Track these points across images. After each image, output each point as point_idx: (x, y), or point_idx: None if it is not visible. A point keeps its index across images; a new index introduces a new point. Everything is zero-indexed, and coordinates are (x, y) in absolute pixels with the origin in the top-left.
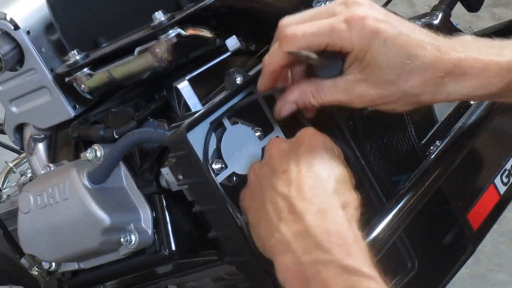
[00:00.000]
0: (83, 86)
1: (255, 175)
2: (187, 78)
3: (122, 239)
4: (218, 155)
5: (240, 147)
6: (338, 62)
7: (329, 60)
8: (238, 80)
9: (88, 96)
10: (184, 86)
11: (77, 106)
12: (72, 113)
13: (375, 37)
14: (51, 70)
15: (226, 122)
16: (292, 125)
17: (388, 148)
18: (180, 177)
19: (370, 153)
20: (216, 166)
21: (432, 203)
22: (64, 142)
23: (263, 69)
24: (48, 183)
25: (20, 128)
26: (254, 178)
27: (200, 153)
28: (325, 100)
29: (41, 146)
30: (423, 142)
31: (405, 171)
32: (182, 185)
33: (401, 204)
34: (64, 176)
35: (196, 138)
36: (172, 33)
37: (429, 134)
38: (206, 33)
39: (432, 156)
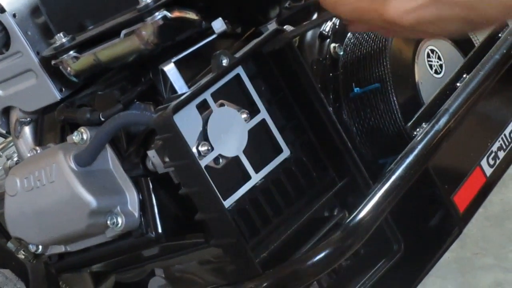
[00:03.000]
0: (69, 69)
1: None
2: (173, 60)
3: (108, 222)
4: (205, 138)
5: (227, 129)
6: None
7: None
8: (224, 62)
9: (74, 79)
10: (170, 69)
11: (63, 89)
12: (58, 96)
13: None
14: (37, 53)
15: (212, 105)
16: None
17: (374, 130)
18: (167, 159)
19: (356, 136)
20: (202, 148)
21: (418, 185)
22: (51, 126)
23: None
24: (35, 166)
25: (6, 112)
26: None
27: (186, 136)
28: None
29: (27, 130)
30: (409, 124)
31: (391, 153)
32: (168, 167)
33: (387, 186)
34: (51, 159)
35: (183, 120)
36: (158, 15)
37: (415, 116)
38: (192, 16)
39: (418, 138)
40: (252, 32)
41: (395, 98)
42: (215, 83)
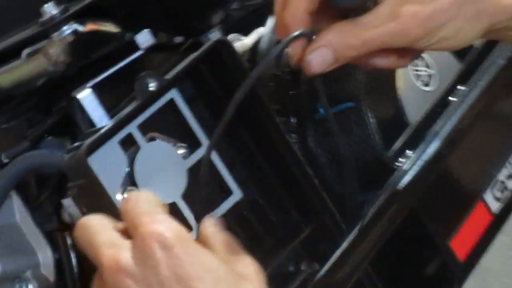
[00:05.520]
0: None
1: None
2: (89, 85)
3: None
4: (131, 181)
5: (159, 169)
6: None
7: None
8: (152, 86)
9: None
10: (85, 96)
11: None
12: None
13: None
14: None
15: (140, 139)
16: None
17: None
18: (85, 210)
19: (326, 167)
20: None
21: (405, 227)
22: None
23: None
24: None
25: None
26: None
27: (106, 181)
28: (371, 37)
29: None
30: (389, 152)
31: (371, 188)
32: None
33: (364, 232)
34: None
35: (101, 161)
36: (67, 29)
37: (398, 142)
38: (110, 28)
39: (402, 170)
40: (192, 43)
41: (371, 120)
42: (142, 112)
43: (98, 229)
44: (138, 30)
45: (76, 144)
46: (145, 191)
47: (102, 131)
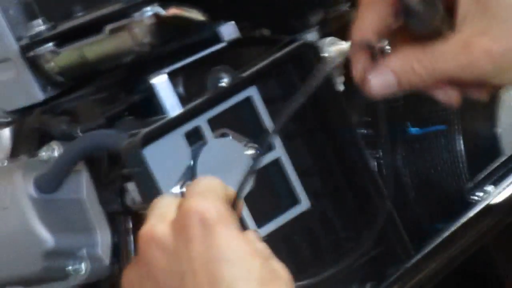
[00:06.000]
0: (52, 64)
1: None
2: (166, 71)
3: (70, 267)
4: (192, 176)
5: (224, 167)
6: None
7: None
8: (224, 81)
9: (59, 78)
10: (161, 82)
11: (49, 88)
12: (41, 96)
13: None
14: (19, 39)
15: (208, 134)
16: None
17: (433, 185)
18: (140, 197)
19: (409, 188)
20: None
21: (472, 261)
22: (29, 133)
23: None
24: None
25: None
26: None
27: (162, 174)
28: (440, 69)
29: (6, 133)
30: (469, 183)
31: (442, 216)
32: (139, 209)
33: (429, 261)
34: (8, 179)
35: (160, 152)
36: (148, 11)
37: (482, 173)
38: (195, 15)
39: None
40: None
41: (461, 147)
42: (213, 106)
43: (161, 202)
44: (223, 21)
45: (137, 131)
46: (214, 178)
47: (164, 121)
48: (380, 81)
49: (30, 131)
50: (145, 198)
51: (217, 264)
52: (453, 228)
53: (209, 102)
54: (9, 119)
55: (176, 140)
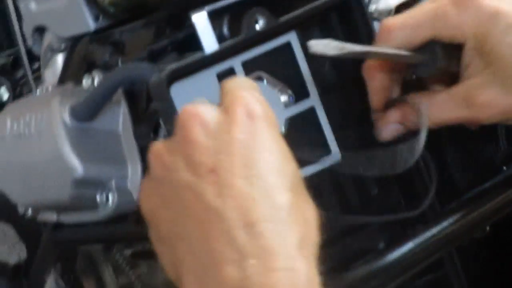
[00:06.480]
0: None
1: (162, 164)
2: (207, 9)
3: (98, 198)
4: None
5: None
6: (434, 51)
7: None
8: (260, 24)
9: (111, 9)
10: (200, 19)
11: (100, 18)
12: (92, 25)
13: (494, 21)
14: None
15: (241, 76)
16: None
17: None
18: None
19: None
20: None
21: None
22: (78, 61)
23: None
24: (29, 109)
25: (41, 31)
26: (160, 169)
27: None
28: (440, 118)
29: (59, 59)
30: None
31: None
32: None
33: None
34: (45, 104)
35: (191, 89)
36: None
37: None
38: None
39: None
40: None
41: None
42: (250, 49)
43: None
44: None
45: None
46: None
47: (194, 59)
48: (388, 132)
49: (78, 60)
50: (170, 133)
51: (255, 152)
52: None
53: (245, 44)
54: (63, 46)
55: (207, 79)
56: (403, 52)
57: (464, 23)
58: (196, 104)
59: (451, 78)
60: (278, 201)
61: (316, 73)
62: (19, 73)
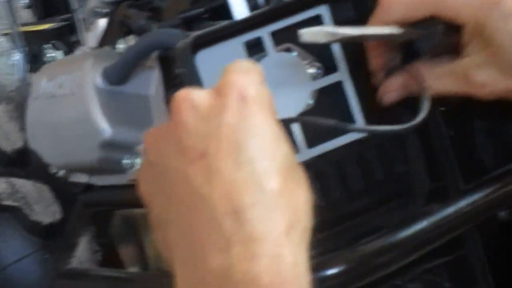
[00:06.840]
0: None
1: (156, 148)
2: None
3: (125, 161)
4: None
5: (281, 82)
6: (433, 27)
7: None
8: None
9: None
10: None
11: None
12: None
13: (496, 7)
14: None
15: (269, 46)
16: None
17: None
18: None
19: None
20: None
21: None
22: (117, 25)
23: None
24: (63, 70)
25: None
26: (154, 154)
27: (211, 79)
28: (440, 90)
29: (101, 23)
30: None
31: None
32: None
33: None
34: (78, 66)
35: (217, 57)
36: None
37: None
38: None
39: None
40: None
41: None
42: (279, 19)
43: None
44: None
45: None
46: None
47: (220, 26)
48: (390, 95)
49: (117, 24)
50: None
51: (245, 136)
52: None
53: (274, 14)
54: (105, 11)
55: (234, 48)
56: (398, 31)
57: (465, 7)
58: (188, 89)
59: (452, 52)
60: (267, 186)
61: (347, 49)
62: (75, 38)
